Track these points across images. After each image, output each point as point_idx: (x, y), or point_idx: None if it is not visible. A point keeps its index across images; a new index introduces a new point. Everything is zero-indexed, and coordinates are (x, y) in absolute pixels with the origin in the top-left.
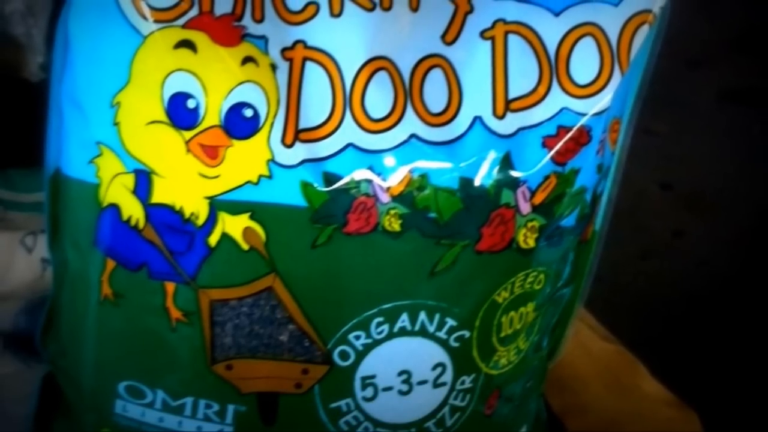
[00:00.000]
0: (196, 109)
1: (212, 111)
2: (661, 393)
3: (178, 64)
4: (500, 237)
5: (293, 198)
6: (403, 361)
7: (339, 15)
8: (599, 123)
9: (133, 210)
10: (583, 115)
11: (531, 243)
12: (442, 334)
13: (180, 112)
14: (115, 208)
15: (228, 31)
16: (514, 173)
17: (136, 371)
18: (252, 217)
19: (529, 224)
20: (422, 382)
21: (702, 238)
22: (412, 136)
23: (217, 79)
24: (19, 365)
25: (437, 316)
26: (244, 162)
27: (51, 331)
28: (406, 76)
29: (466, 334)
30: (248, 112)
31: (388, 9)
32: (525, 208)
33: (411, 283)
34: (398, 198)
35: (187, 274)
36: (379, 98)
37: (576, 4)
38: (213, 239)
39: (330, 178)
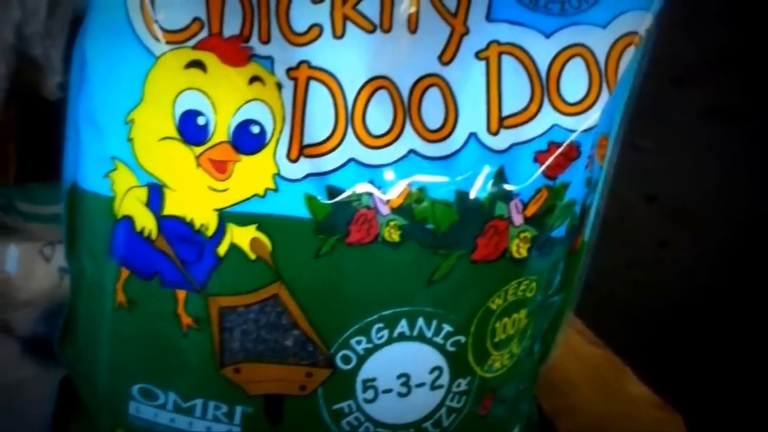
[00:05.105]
0: (205, 126)
1: (221, 128)
2: (646, 395)
3: (188, 83)
4: (494, 247)
5: (298, 210)
6: (402, 364)
7: (341, 37)
8: (588, 139)
9: (146, 222)
10: (573, 131)
11: (523, 253)
12: (439, 339)
13: (190, 129)
14: (129, 219)
15: (236, 52)
16: (508, 187)
17: (148, 374)
18: (259, 229)
19: (522, 235)
20: (420, 385)
21: (685, 248)
22: (411, 151)
23: (226, 98)
24: (38, 369)
25: (434, 322)
26: (251, 176)
27: (68, 336)
28: (405, 94)
29: (462, 339)
30: (255, 129)
31: (388, 31)
32: (518, 219)
33: (409, 291)
34: (397, 210)
35: (197, 282)
36: (379, 115)
37: (566, 27)
38: (222, 249)
39: (333, 192)
